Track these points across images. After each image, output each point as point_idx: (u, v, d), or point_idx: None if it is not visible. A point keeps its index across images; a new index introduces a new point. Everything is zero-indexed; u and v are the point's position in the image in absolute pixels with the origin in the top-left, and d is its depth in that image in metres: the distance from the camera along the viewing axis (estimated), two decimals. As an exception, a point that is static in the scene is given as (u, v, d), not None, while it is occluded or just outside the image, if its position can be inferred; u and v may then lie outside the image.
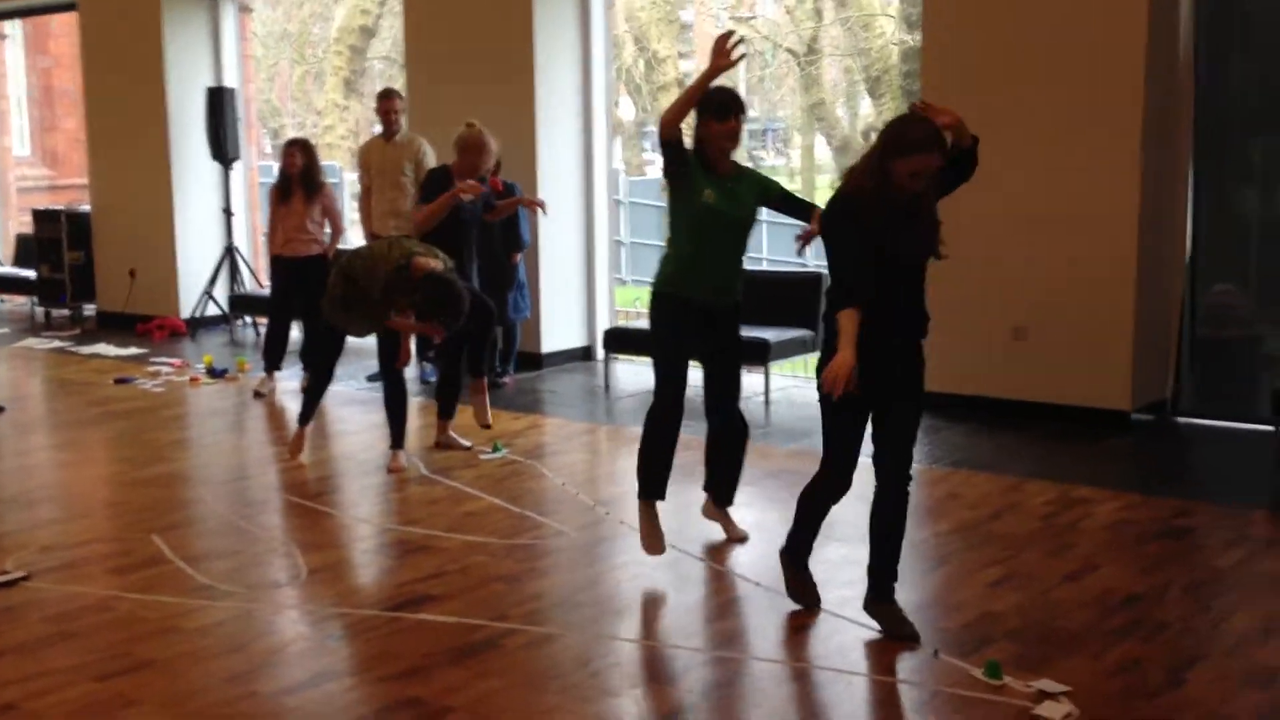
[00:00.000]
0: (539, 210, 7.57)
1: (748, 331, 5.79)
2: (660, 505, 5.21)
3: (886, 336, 4.29)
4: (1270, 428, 6.48)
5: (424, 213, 6.78)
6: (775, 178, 5.83)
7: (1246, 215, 7.68)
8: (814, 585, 4.66)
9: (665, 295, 5.07)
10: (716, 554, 5.27)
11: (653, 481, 5.20)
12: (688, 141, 4.96)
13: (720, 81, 4.83)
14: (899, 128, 4.16)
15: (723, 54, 4.72)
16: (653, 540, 5.16)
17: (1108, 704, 3.84)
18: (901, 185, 4.12)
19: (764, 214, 5.68)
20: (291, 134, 21.38)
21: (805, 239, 5.07)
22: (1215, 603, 4.66)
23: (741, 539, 5.42)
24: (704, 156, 4.96)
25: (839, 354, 4.10)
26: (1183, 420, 7.49)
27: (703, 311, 5.04)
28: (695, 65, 27.28)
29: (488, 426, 7.08)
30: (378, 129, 8.89)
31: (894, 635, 4.35)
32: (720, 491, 5.47)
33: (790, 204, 5.19)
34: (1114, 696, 3.89)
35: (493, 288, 7.99)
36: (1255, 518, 5.67)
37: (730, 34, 4.79)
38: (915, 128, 4.14)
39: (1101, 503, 5.90)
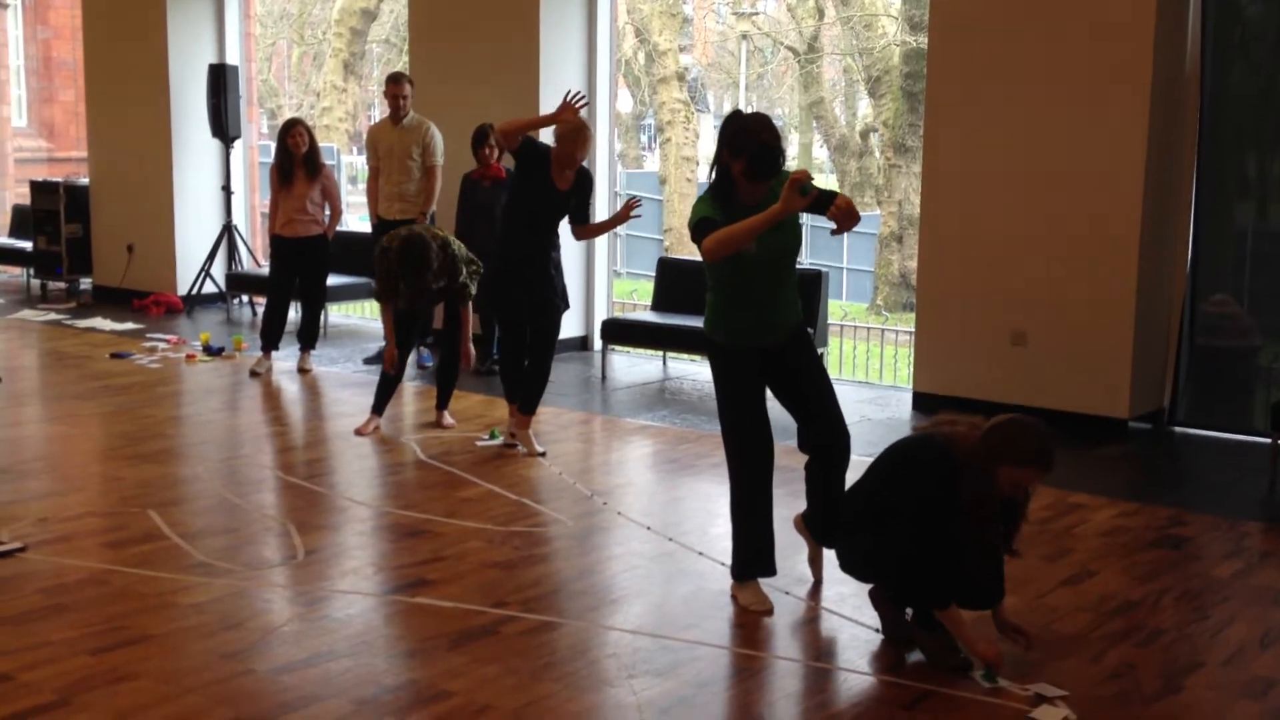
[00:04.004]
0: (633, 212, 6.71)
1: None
2: (658, 497, 5.14)
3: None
4: (1267, 440, 6.52)
5: (509, 121, 6.33)
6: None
7: (1244, 227, 7.71)
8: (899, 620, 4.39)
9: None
10: (711, 547, 5.27)
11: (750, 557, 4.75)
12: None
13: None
14: (1018, 436, 3.97)
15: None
16: (760, 598, 4.70)
17: (1104, 708, 3.85)
18: (1000, 489, 3.99)
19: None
20: (289, 114, 21.32)
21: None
22: (1212, 612, 4.67)
23: (818, 579, 4.94)
24: (735, 199, 4.47)
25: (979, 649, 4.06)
26: (1179, 430, 7.51)
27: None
28: (694, 58, 27.29)
29: (542, 454, 6.74)
30: (375, 112, 8.87)
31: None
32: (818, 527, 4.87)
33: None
34: (1110, 701, 3.90)
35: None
36: (1251, 529, 5.69)
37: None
38: (1035, 440, 3.97)
39: (1098, 509, 5.92)
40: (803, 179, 4.15)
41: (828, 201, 4.29)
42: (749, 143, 4.37)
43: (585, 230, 6.74)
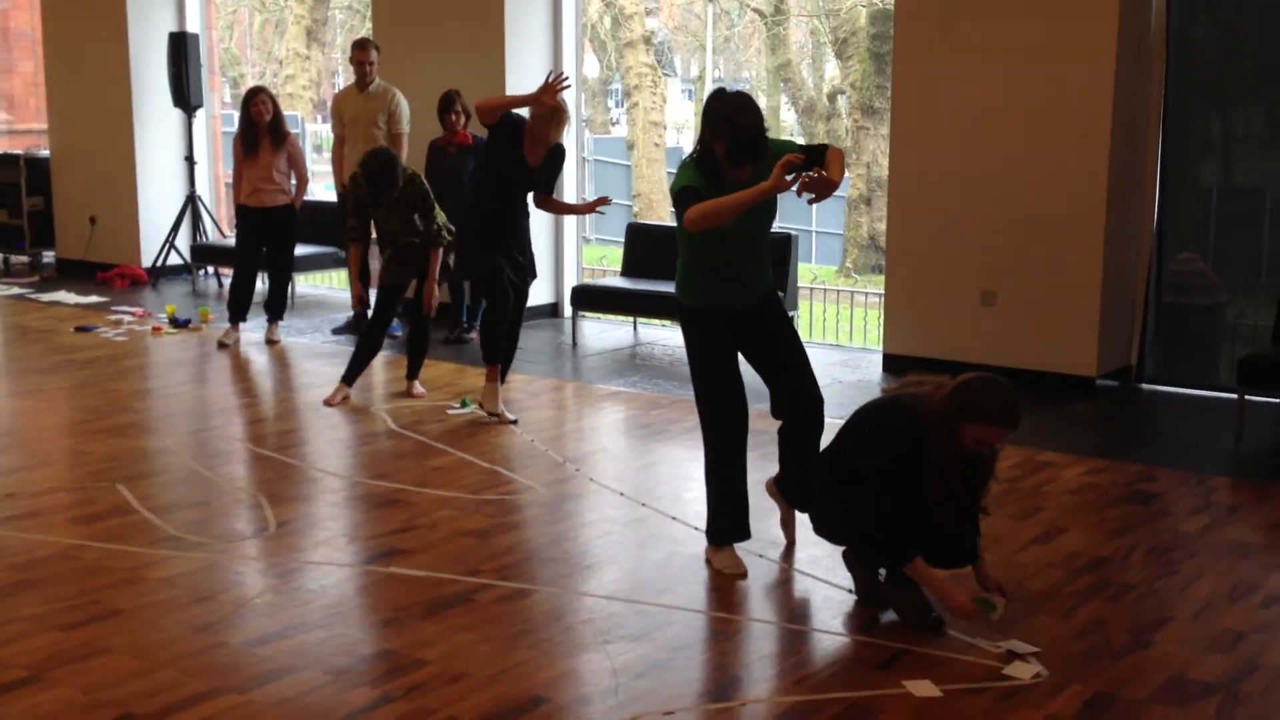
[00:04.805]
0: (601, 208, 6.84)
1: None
2: (630, 463, 5.15)
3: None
4: (1233, 395, 6.57)
5: (488, 99, 6.34)
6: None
7: (1210, 185, 7.74)
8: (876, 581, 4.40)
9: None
10: (684, 512, 5.27)
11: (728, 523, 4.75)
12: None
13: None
14: (982, 394, 4.00)
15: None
16: (734, 562, 4.69)
17: (1075, 664, 3.88)
18: (964, 446, 4.02)
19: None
20: (251, 83, 21.09)
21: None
22: (1181, 567, 4.72)
23: (791, 542, 4.94)
24: (721, 175, 4.40)
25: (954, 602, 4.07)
26: (1146, 387, 7.56)
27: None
28: (660, 21, 27.11)
29: (496, 415, 6.68)
30: (340, 79, 8.79)
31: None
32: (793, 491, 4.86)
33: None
34: (1081, 656, 3.94)
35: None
36: (1219, 484, 5.74)
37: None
38: (999, 398, 4.00)
39: (1067, 467, 5.96)
40: (794, 161, 4.14)
41: (817, 157, 4.24)
42: (727, 128, 4.32)
43: (550, 203, 6.74)
